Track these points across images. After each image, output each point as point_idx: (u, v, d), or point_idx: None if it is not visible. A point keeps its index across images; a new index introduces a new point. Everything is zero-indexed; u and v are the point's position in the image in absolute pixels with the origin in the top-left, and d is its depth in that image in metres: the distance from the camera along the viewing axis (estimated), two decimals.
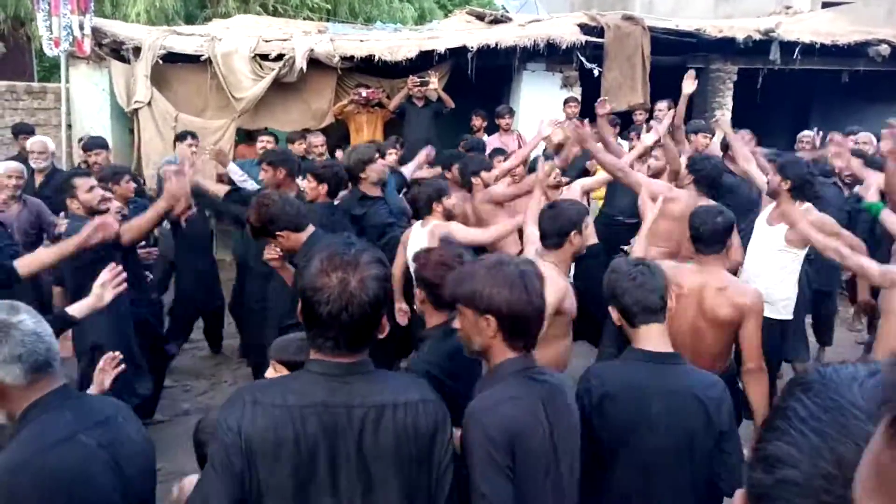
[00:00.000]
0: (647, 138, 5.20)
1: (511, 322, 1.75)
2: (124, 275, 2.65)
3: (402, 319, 4.23)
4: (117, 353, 2.50)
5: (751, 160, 4.95)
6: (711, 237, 3.13)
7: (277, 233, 3.22)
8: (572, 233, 2.98)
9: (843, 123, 7.50)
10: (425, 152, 5.86)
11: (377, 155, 4.77)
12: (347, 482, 1.50)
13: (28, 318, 1.62)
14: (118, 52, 7.63)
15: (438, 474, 1.58)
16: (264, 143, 6.29)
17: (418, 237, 3.94)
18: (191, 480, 2.02)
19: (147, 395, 3.91)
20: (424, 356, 2.44)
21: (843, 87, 8.87)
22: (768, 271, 3.99)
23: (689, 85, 5.32)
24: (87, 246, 3.21)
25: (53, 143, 6.17)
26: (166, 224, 5.27)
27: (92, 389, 2.37)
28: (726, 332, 3.04)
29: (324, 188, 4.24)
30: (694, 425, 2.02)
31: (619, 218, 5.69)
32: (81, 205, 3.74)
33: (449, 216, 4.05)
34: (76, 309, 2.61)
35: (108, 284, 2.59)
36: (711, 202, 4.35)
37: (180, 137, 6.40)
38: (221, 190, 5.00)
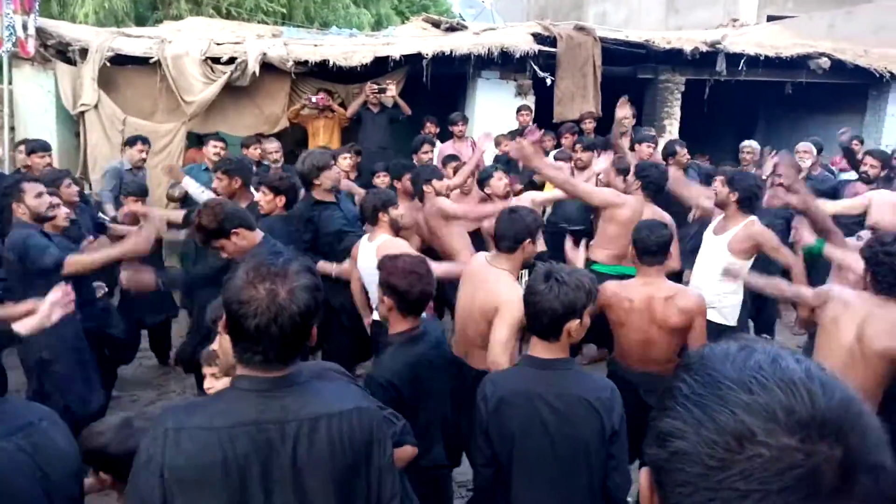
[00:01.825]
0: (598, 165, 5.53)
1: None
2: (73, 295, 2.59)
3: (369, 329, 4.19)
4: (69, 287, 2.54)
5: (686, 184, 5.18)
6: (656, 250, 3.26)
7: (233, 230, 3.16)
8: (526, 241, 3.04)
9: (787, 133, 7.80)
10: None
11: (332, 161, 4.73)
12: (282, 499, 1.47)
13: None
14: (64, 53, 7.44)
15: (378, 481, 1.57)
16: (217, 148, 6.18)
17: (367, 253, 3.88)
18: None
19: (100, 409, 3.78)
20: (386, 364, 2.49)
21: (787, 98, 9.17)
22: (715, 280, 4.11)
23: (621, 111, 5.58)
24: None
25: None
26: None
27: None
28: (676, 336, 3.21)
29: (281, 200, 4.15)
30: (587, 431, 2.07)
31: (563, 225, 5.80)
32: (28, 210, 3.62)
33: (395, 227, 3.98)
34: (23, 325, 2.51)
35: (56, 304, 2.52)
36: (657, 208, 4.48)
37: (130, 142, 6.29)
38: (177, 214, 4.90)
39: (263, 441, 1.45)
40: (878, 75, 8.92)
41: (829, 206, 4.76)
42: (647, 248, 3.26)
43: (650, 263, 3.27)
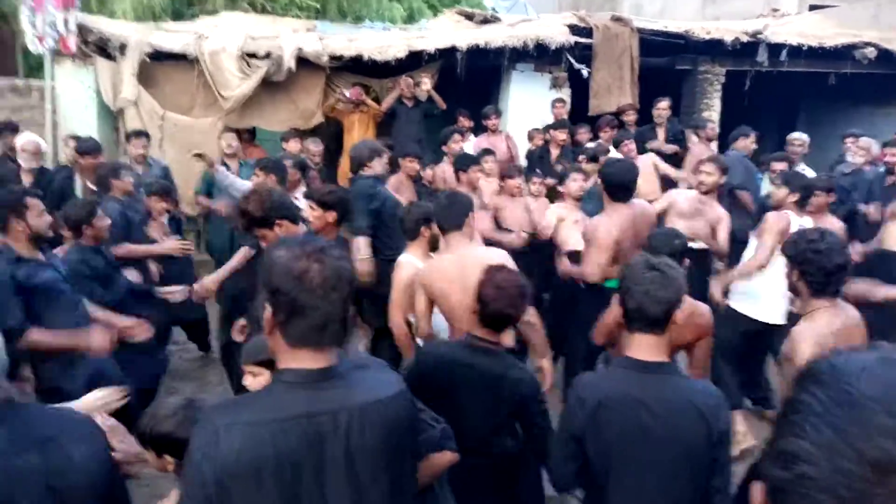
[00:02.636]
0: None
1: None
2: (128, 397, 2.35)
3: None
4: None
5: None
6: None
7: (278, 220, 3.14)
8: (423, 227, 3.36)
9: (830, 125, 7.58)
10: None
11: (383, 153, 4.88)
12: (336, 489, 1.47)
13: None
14: (104, 49, 7.54)
15: (412, 457, 1.67)
16: (228, 140, 6.22)
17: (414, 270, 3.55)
18: (170, 499, 1.96)
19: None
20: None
21: (830, 89, 8.92)
22: (771, 279, 4.05)
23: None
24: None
25: (45, 143, 6.10)
26: None
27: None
28: (685, 349, 3.15)
29: (332, 216, 3.69)
30: (692, 437, 1.96)
31: None
32: (29, 229, 3.23)
33: (434, 243, 3.66)
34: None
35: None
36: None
37: (129, 137, 6.33)
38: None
39: (315, 433, 1.45)
40: None
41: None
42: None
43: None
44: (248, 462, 1.39)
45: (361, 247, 4.41)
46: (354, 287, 1.54)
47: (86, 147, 5.71)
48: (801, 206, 4.24)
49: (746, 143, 6.64)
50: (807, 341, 2.48)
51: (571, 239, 4.92)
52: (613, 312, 2.88)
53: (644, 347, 2.05)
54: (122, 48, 7.38)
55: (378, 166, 4.68)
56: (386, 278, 3.79)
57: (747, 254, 4.32)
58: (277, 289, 1.47)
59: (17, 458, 1.45)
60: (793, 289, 2.73)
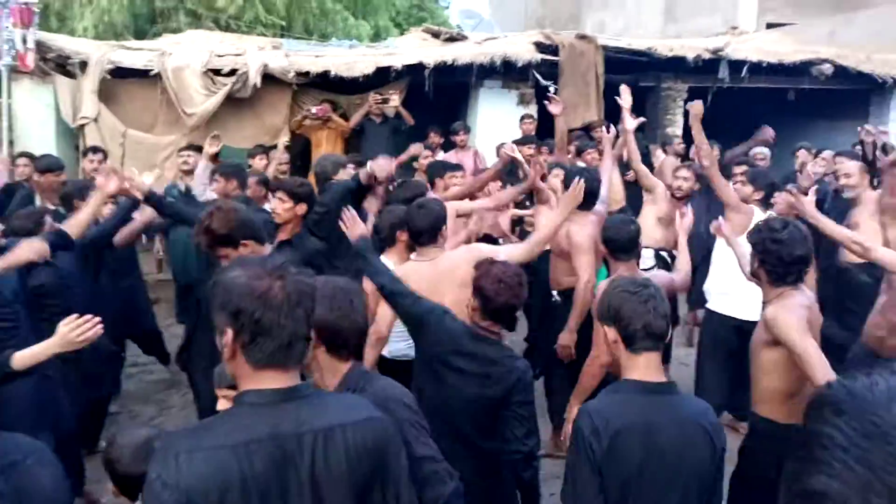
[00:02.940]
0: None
1: (327, 336, 1.87)
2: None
3: None
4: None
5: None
6: (627, 245, 3.39)
7: (243, 241, 2.98)
8: (443, 227, 3.26)
9: (790, 140, 7.73)
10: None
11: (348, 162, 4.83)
12: None
13: None
14: (64, 66, 7.39)
15: (396, 490, 1.54)
16: (185, 157, 6.01)
17: None
18: None
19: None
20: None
21: (789, 105, 9.13)
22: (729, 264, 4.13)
23: (625, 99, 5.42)
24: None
25: None
26: None
27: None
28: None
29: (301, 208, 3.71)
30: (702, 455, 1.92)
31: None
32: None
33: (411, 248, 3.63)
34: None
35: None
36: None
37: (84, 153, 6.20)
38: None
39: (280, 455, 1.39)
40: (880, 80, 8.90)
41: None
42: (617, 244, 3.40)
43: (621, 259, 3.40)
44: (213, 488, 1.33)
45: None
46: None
47: (45, 164, 5.54)
48: (765, 203, 4.41)
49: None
50: (783, 314, 2.49)
51: None
52: (602, 347, 2.78)
53: (652, 368, 1.98)
54: (83, 65, 7.25)
55: (344, 178, 4.61)
56: None
57: (717, 251, 4.42)
58: (239, 310, 1.42)
59: None
60: (755, 275, 2.76)
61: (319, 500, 1.43)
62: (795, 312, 2.50)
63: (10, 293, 3.16)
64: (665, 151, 7.42)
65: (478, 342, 2.51)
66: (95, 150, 6.22)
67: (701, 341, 4.60)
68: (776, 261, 2.59)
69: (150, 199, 3.95)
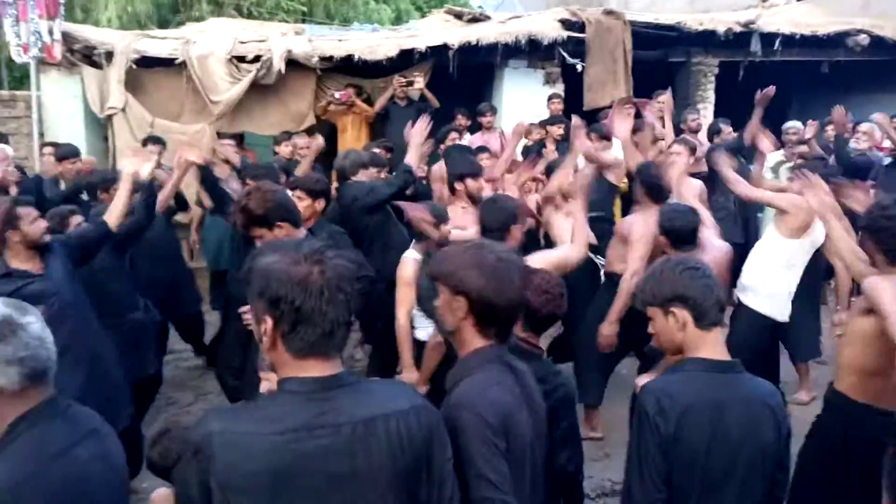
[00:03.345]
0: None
1: (480, 307, 1.72)
2: None
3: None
4: None
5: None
6: (688, 235, 3.38)
7: (278, 222, 2.99)
8: (512, 226, 3.07)
9: (823, 114, 7.52)
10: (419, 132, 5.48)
11: (372, 167, 4.69)
12: None
13: (36, 322, 1.51)
14: (90, 57, 7.42)
15: (440, 482, 1.47)
16: (226, 146, 6.03)
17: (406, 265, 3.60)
18: (161, 494, 1.88)
19: (125, 426, 3.61)
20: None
21: (823, 78, 8.89)
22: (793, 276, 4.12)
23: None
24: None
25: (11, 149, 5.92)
26: None
27: None
28: None
29: (320, 204, 3.78)
30: (767, 436, 1.88)
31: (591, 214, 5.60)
32: (23, 238, 3.22)
33: (444, 244, 3.53)
34: None
35: None
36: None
37: (143, 143, 6.22)
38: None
39: (317, 447, 1.34)
40: None
41: None
42: (680, 236, 3.38)
43: (682, 249, 3.33)
44: (240, 474, 1.30)
45: None
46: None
47: (63, 152, 5.62)
48: None
49: (722, 137, 6.63)
50: (882, 282, 2.43)
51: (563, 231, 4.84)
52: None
53: (720, 345, 1.95)
54: (109, 56, 7.27)
55: (364, 177, 4.49)
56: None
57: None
58: (279, 297, 1.37)
59: (81, 449, 1.54)
60: (869, 256, 2.71)
61: (360, 493, 1.38)
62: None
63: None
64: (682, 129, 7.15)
65: (523, 358, 2.44)
66: (156, 140, 6.15)
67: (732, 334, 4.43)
68: (891, 238, 2.53)
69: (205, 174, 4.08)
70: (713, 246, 3.63)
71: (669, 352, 2.02)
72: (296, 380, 1.40)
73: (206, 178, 4.17)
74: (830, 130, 7.01)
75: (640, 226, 3.93)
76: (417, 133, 4.63)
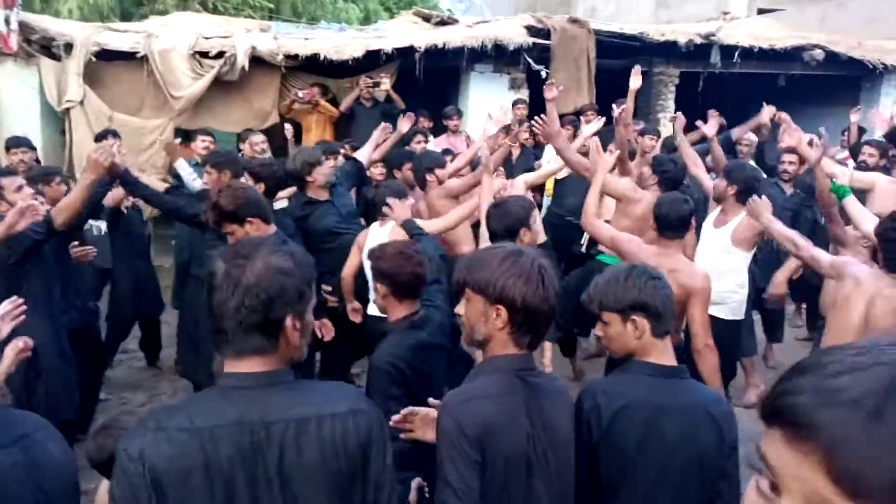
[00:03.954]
0: (588, 129, 5.35)
1: (523, 316, 1.68)
2: (24, 307, 2.33)
3: (356, 317, 4.14)
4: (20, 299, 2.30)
5: (699, 164, 5.08)
6: (678, 223, 3.34)
7: (249, 218, 3.09)
8: (521, 230, 2.94)
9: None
10: (381, 129, 5.58)
11: (324, 157, 4.61)
12: None
13: None
14: (49, 48, 7.26)
15: (375, 491, 1.44)
16: (206, 142, 6.04)
17: (378, 237, 3.82)
18: (106, 486, 1.87)
19: (69, 419, 3.58)
20: (389, 348, 2.42)
21: (780, 91, 9.12)
22: (716, 273, 4.05)
23: (635, 80, 5.39)
24: (14, 232, 3.08)
25: None
26: (103, 228, 5.03)
27: None
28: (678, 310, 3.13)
29: (260, 188, 3.96)
30: (706, 444, 1.88)
31: (569, 218, 5.68)
32: (10, 207, 3.42)
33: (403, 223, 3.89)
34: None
35: (6, 317, 2.26)
36: None
37: (99, 137, 6.12)
38: (160, 186, 4.80)
39: (247, 444, 1.34)
40: (871, 66, 8.92)
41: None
42: (668, 222, 3.35)
43: (670, 237, 3.36)
44: (176, 470, 1.30)
45: None
46: (272, 294, 1.39)
47: (8, 142, 5.52)
48: (741, 199, 4.11)
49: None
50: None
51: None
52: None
53: (668, 352, 1.98)
54: (68, 48, 7.12)
55: (320, 177, 4.38)
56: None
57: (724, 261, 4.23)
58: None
59: (3, 455, 1.50)
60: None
61: (291, 495, 1.37)
62: None
63: None
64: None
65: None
66: (115, 133, 6.05)
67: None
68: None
69: (125, 178, 3.93)
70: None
71: (616, 355, 2.05)
72: (232, 375, 1.41)
73: (125, 181, 3.99)
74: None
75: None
76: (381, 129, 4.88)
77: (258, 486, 1.35)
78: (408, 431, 1.92)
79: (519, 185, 4.82)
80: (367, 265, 3.72)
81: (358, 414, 1.44)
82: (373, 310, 3.80)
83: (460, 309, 1.77)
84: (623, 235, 3.64)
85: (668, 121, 6.46)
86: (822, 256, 3.29)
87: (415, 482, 1.94)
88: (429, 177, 4.60)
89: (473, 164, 5.50)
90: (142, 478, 1.29)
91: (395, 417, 1.90)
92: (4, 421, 1.58)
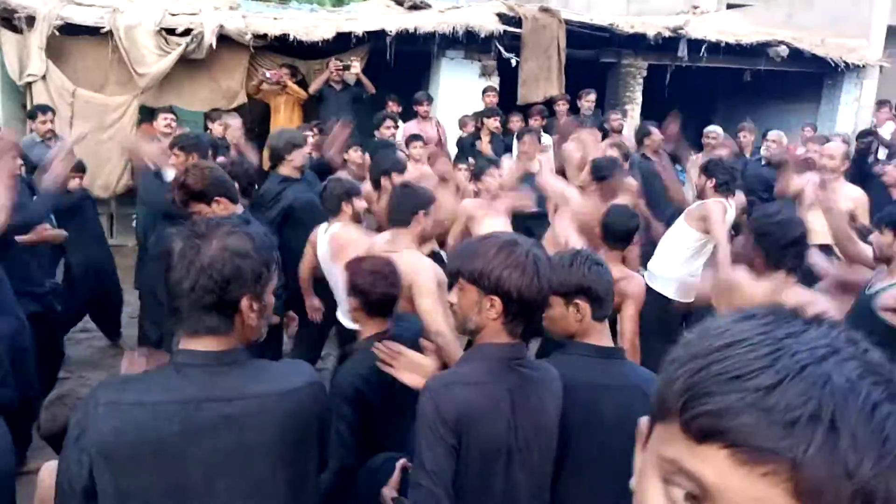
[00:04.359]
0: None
1: (518, 307, 1.68)
2: None
3: (316, 316, 4.13)
4: None
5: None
6: (623, 236, 3.42)
7: (216, 197, 3.08)
8: (420, 212, 3.10)
9: (745, 119, 7.88)
10: (341, 127, 5.57)
11: (306, 142, 4.67)
12: (226, 484, 1.39)
13: None
14: (9, 20, 7.08)
15: (322, 459, 1.55)
16: (168, 120, 5.95)
17: (323, 241, 3.77)
18: (49, 467, 1.88)
19: (37, 396, 3.57)
20: (354, 368, 2.37)
21: (745, 86, 9.30)
22: (680, 260, 4.23)
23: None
24: None
25: None
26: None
27: None
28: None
29: (193, 159, 3.97)
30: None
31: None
32: None
33: (357, 218, 3.84)
34: None
35: None
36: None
37: (31, 115, 6.03)
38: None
39: (204, 420, 1.37)
40: (833, 64, 9.11)
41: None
42: (614, 233, 3.40)
43: (614, 248, 3.43)
44: (127, 444, 1.32)
45: None
46: (228, 274, 1.41)
47: None
48: (720, 190, 4.25)
49: (652, 139, 6.62)
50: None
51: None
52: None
53: (605, 334, 2.06)
54: (30, 20, 6.95)
55: (298, 158, 4.43)
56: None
57: (678, 239, 4.37)
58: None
59: None
60: (749, 263, 2.88)
61: (249, 469, 1.41)
62: None
63: None
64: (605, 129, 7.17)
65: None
66: (45, 109, 6.01)
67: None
68: (773, 243, 2.77)
69: None
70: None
71: (556, 337, 2.10)
72: (188, 353, 1.42)
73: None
74: (742, 137, 7.30)
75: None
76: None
77: (214, 461, 1.37)
78: (388, 366, 1.97)
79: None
80: (323, 264, 3.74)
81: (314, 385, 1.51)
82: (341, 316, 3.74)
83: (453, 297, 1.78)
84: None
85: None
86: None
87: (399, 462, 1.97)
88: (384, 181, 4.49)
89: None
90: (87, 454, 1.31)
91: (381, 350, 1.99)
92: None
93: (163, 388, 1.39)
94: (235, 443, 1.38)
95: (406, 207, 3.12)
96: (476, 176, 4.96)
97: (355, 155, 5.77)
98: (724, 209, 4.20)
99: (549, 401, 1.80)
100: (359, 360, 2.37)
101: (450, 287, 1.82)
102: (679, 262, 4.27)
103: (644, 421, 0.72)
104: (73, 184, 4.83)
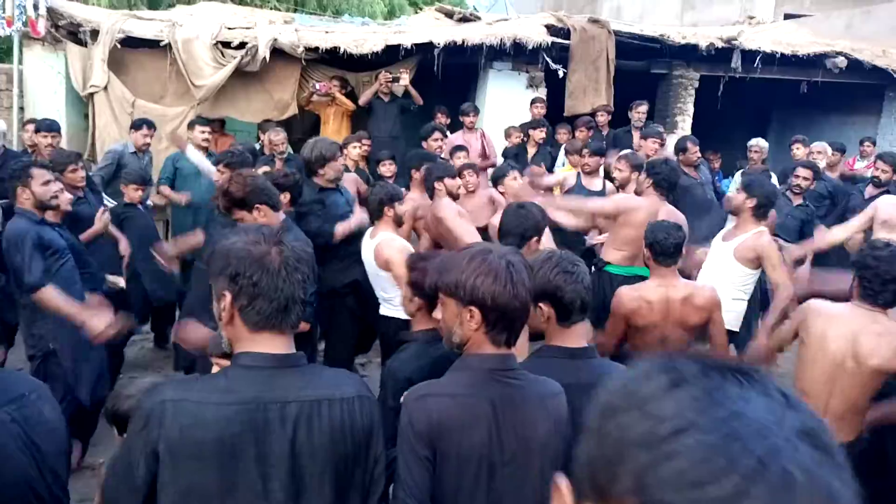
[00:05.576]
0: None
1: (495, 315, 1.68)
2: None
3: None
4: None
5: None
6: (672, 251, 3.34)
7: (257, 205, 3.19)
8: (533, 238, 3.04)
9: (800, 132, 7.66)
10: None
11: (339, 153, 4.70)
12: (279, 483, 1.44)
13: None
14: (75, 34, 7.41)
15: (375, 472, 1.56)
16: (206, 133, 6.13)
17: (367, 249, 3.83)
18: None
19: (93, 401, 3.71)
20: (411, 360, 2.39)
21: (801, 98, 9.05)
22: (719, 285, 4.06)
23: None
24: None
25: (4, 124, 5.97)
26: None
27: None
28: (695, 332, 3.31)
29: (286, 197, 3.97)
30: None
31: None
32: (32, 195, 3.51)
33: (399, 223, 3.88)
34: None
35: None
36: (671, 207, 4.39)
37: (136, 126, 6.26)
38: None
39: (262, 420, 1.42)
40: (894, 76, 8.80)
41: (836, 234, 4.81)
42: (664, 250, 3.32)
43: (666, 264, 3.34)
44: (190, 440, 1.38)
45: None
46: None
47: (39, 124, 5.70)
48: (757, 213, 4.05)
49: (687, 155, 6.45)
50: None
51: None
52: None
53: (577, 337, 2.09)
54: (94, 34, 7.26)
55: (331, 171, 4.45)
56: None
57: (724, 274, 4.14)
58: (237, 273, 1.47)
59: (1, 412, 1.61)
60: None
61: (299, 471, 1.45)
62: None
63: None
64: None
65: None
66: (149, 123, 6.28)
67: None
68: (873, 276, 2.85)
69: None
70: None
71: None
72: (249, 355, 1.48)
73: None
74: (795, 149, 7.08)
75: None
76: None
77: (268, 461, 1.42)
78: None
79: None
80: (376, 271, 3.74)
81: (364, 399, 1.55)
82: (385, 310, 3.84)
83: (437, 314, 1.81)
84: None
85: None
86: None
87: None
88: (437, 185, 4.52)
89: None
90: (151, 446, 1.38)
91: None
92: (3, 383, 1.70)
93: (227, 388, 1.45)
94: (287, 445, 1.44)
95: (519, 228, 3.08)
96: (495, 180, 5.01)
97: (384, 168, 5.86)
98: (779, 248, 4.11)
99: (540, 415, 1.74)
100: (416, 352, 2.42)
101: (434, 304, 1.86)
102: (726, 300, 4.11)
103: (563, 482, 0.65)
104: (135, 195, 5.00)
